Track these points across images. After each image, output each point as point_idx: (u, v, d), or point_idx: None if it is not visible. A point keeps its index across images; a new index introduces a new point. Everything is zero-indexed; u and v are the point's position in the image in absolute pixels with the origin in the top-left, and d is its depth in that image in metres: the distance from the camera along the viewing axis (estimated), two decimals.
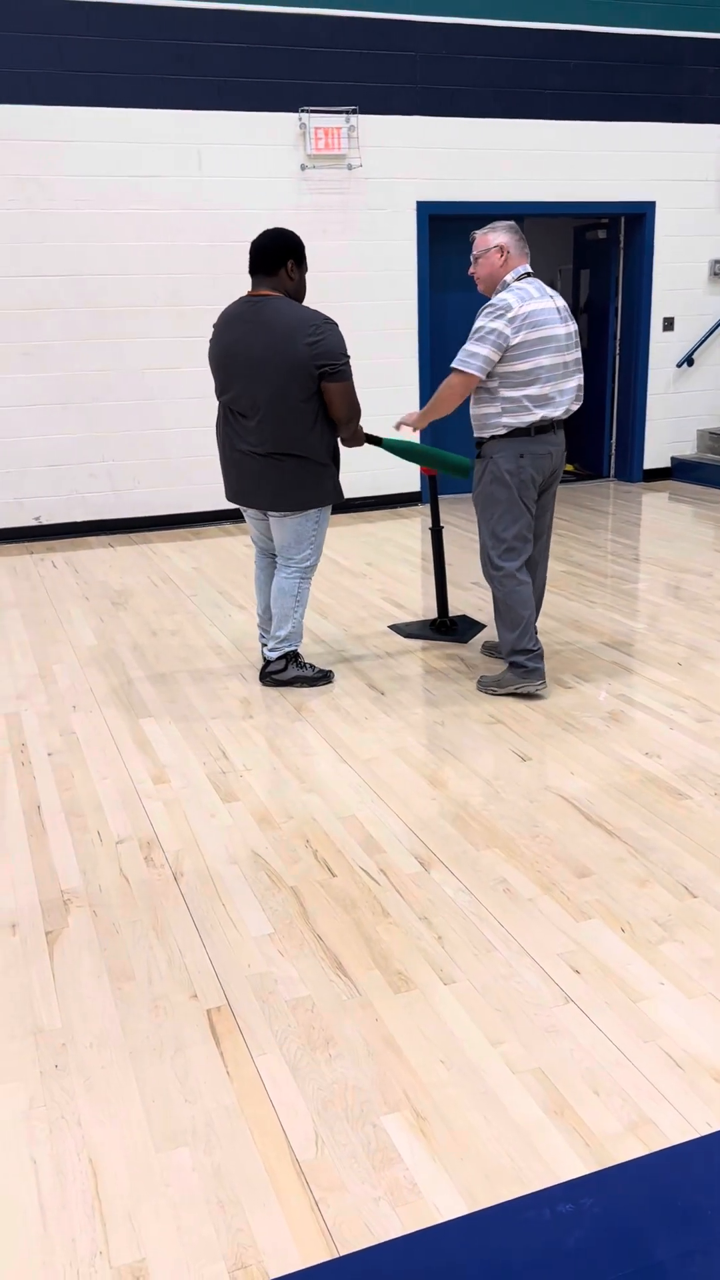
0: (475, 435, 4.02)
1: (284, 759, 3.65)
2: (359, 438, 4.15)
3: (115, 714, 4.08)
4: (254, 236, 3.93)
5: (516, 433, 3.89)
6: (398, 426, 4.28)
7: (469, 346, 3.81)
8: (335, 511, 7.67)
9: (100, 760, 3.67)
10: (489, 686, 4.18)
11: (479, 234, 3.94)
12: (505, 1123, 2.01)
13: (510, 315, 3.76)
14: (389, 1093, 2.09)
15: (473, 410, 3.98)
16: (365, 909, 2.72)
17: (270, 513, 4.11)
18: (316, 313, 3.88)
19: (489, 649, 4.64)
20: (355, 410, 3.98)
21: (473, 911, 2.69)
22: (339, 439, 4.12)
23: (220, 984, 2.43)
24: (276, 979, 2.44)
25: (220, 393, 4.05)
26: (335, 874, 2.89)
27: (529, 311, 3.78)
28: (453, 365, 3.85)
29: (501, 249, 3.86)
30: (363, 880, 2.85)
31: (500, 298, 3.82)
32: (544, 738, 3.76)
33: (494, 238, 3.88)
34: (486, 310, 3.81)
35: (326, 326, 3.84)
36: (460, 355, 3.83)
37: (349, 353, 3.92)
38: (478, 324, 3.80)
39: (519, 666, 4.10)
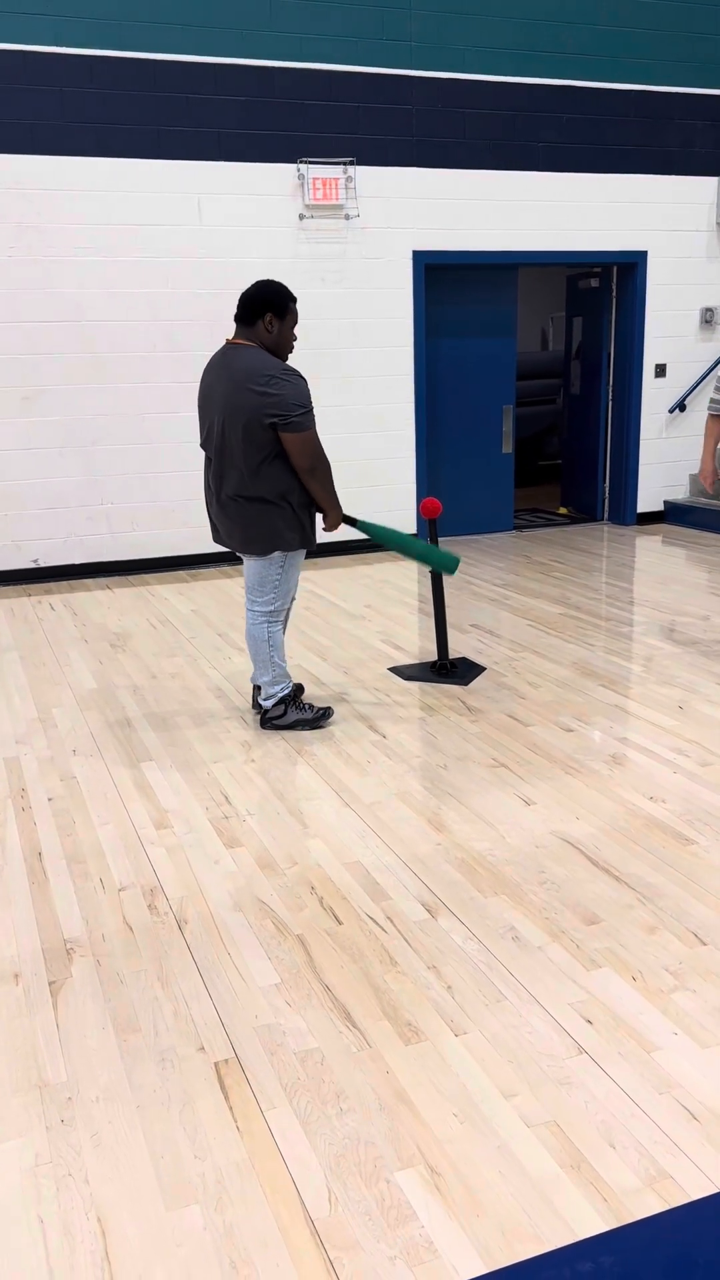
0: None
1: (286, 803, 3.63)
2: (336, 515, 4.12)
3: (115, 758, 4.05)
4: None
5: None
6: None
7: None
8: (335, 553, 7.71)
9: (101, 805, 3.64)
10: None
11: None
12: (521, 1178, 1.98)
13: None
14: (402, 1148, 2.05)
15: None
16: (373, 958, 2.69)
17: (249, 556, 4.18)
18: (277, 363, 3.89)
19: None
20: (318, 460, 3.94)
21: (482, 960, 2.67)
22: (320, 513, 4.13)
23: (228, 1036, 2.39)
24: (285, 1031, 2.40)
25: (201, 437, 4.15)
26: (342, 921, 2.86)
27: None
28: None
29: None
30: (369, 928, 2.83)
31: None
32: (547, 781, 3.75)
33: None
34: None
35: (283, 377, 3.83)
36: None
37: (309, 404, 3.87)
38: None
39: None
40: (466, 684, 4.85)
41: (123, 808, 3.62)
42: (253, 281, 4.05)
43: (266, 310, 3.93)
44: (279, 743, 4.18)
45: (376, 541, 4.42)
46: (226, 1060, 2.31)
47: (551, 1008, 2.47)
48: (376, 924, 2.85)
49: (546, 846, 3.27)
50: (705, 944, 2.72)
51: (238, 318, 3.99)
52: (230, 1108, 2.17)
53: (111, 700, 4.72)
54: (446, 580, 6.92)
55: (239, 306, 3.97)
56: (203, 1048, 2.36)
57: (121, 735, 4.29)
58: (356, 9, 7.17)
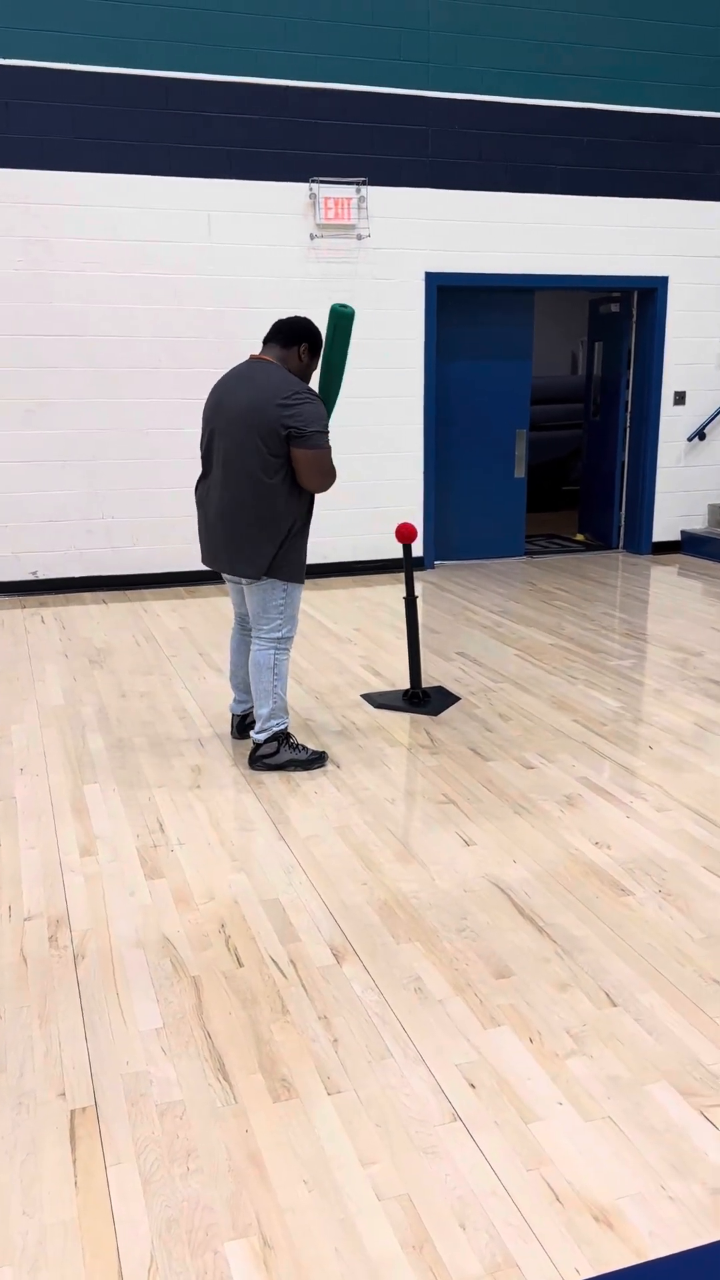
0: None
1: (220, 833, 3.54)
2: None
3: (61, 779, 3.99)
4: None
5: None
6: None
7: None
8: (334, 574, 7.63)
9: (33, 828, 3.58)
10: None
11: None
12: (357, 1257, 1.86)
13: None
14: (240, 1215, 1.95)
15: None
16: (265, 1005, 2.58)
17: (238, 577, 4.05)
18: (303, 384, 3.89)
19: None
20: (326, 476, 3.89)
21: (377, 1012, 2.55)
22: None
23: (93, 1082, 2.30)
24: (152, 1080, 2.31)
25: (202, 444, 4.06)
26: (243, 963, 2.76)
27: None
28: None
29: None
30: (269, 972, 2.72)
31: None
32: (494, 820, 3.62)
33: None
34: None
35: (306, 394, 3.83)
36: None
37: (327, 427, 3.85)
38: None
39: None
40: (436, 714, 4.73)
41: (53, 831, 3.55)
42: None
43: (305, 341, 3.98)
44: (230, 769, 4.10)
45: (339, 373, 4.04)
46: (84, 1109, 2.22)
47: (436, 1068, 2.34)
48: (278, 968, 2.74)
49: (475, 891, 3.14)
50: (615, 1005, 2.57)
51: (270, 338, 4.00)
52: (74, 1160, 2.08)
53: (74, 718, 4.66)
54: (442, 605, 6.82)
55: (277, 330, 4.00)
56: (64, 1094, 2.27)
57: (74, 755, 4.23)
58: (371, 29, 7.13)
